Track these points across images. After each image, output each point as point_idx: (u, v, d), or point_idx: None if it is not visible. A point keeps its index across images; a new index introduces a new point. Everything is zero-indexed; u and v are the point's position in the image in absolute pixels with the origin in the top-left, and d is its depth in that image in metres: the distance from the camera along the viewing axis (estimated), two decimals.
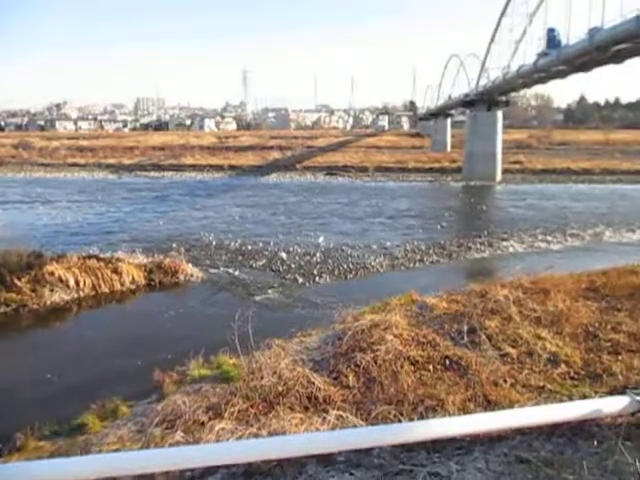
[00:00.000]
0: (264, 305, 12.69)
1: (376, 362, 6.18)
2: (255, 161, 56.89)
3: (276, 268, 16.34)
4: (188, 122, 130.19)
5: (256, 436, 4.13)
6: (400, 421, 4.18)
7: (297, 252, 18.18)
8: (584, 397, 5.33)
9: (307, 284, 14.81)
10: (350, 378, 5.94)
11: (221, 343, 7.06)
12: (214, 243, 19.50)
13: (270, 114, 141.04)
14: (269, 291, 13.90)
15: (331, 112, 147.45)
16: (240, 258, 17.48)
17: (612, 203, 30.91)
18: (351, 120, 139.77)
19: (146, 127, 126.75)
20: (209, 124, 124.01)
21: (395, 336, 6.80)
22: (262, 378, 5.52)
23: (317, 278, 15.31)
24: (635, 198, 33.62)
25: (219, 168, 52.23)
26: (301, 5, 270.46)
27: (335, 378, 6.01)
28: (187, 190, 38.04)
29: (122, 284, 13.88)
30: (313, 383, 5.50)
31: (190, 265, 15.58)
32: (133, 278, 14.14)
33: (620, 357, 6.61)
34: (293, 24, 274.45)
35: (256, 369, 5.84)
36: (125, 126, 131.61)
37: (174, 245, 18.21)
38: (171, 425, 5.02)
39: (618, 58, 25.43)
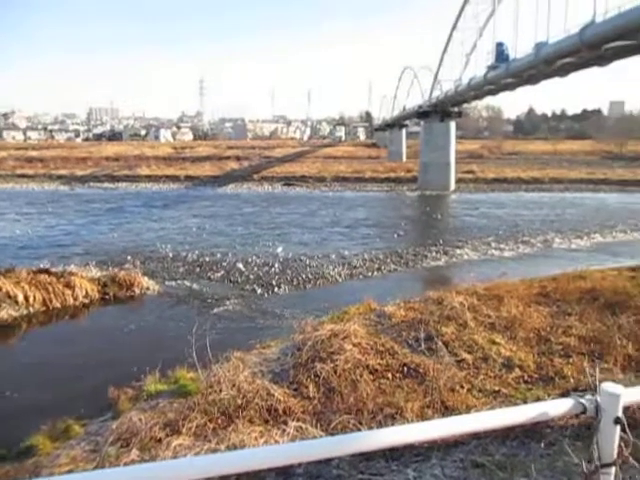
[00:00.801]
0: (222, 317, 12.54)
1: (336, 372, 6.20)
2: (212, 171, 56.36)
3: (234, 279, 16.19)
4: (143, 132, 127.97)
5: (214, 451, 4.07)
6: (359, 430, 4.21)
7: (255, 263, 18.07)
8: (537, 400, 5.49)
9: (266, 295, 14.72)
10: (310, 389, 5.93)
11: (179, 357, 6.93)
12: (171, 255, 19.17)
13: (227, 124, 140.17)
14: (227, 303, 13.74)
15: (288, 123, 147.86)
16: (198, 270, 17.24)
17: (561, 211, 32.03)
18: (308, 131, 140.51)
19: (99, 137, 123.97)
20: (165, 134, 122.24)
21: (354, 345, 6.84)
22: (221, 392, 5.45)
23: (276, 289, 15.24)
24: (582, 205, 34.96)
25: (175, 179, 51.51)
26: (256, 15, 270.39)
27: (295, 389, 6.00)
28: (143, 201, 37.34)
29: (75, 299, 13.46)
30: (273, 395, 5.47)
31: (146, 278, 15.25)
32: (86, 292, 13.73)
33: (571, 360, 6.84)
34: (249, 33, 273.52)
35: (214, 382, 5.77)
36: (77, 136, 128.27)
37: (129, 257, 17.80)
38: (126, 443, 4.89)
39: (563, 71, 26.48)
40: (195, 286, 15.39)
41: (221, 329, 11.14)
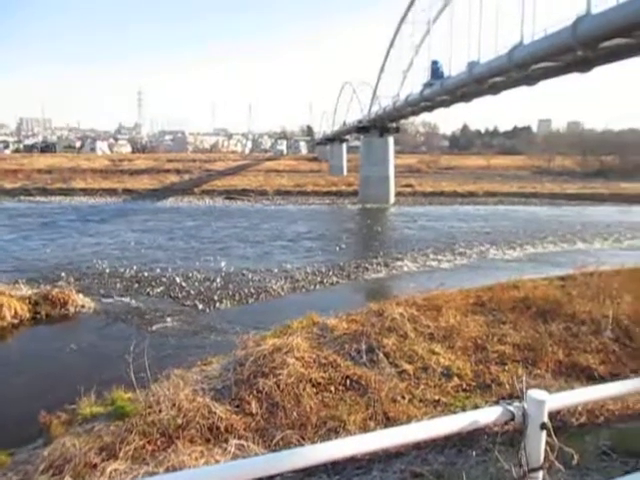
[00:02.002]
0: (162, 334, 12.22)
1: (279, 387, 6.16)
2: (151, 185, 55.07)
3: (175, 295, 15.83)
4: (78, 144, 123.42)
5: (151, 474, 3.95)
6: (302, 445, 4.20)
7: (196, 278, 17.76)
8: (475, 407, 5.66)
9: (207, 310, 14.48)
10: (253, 405, 5.87)
11: (116, 377, 6.69)
12: (108, 271, 18.52)
13: (167, 137, 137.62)
14: (167, 319, 13.41)
15: (229, 136, 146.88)
16: (136, 286, 16.74)
17: (495, 223, 33.32)
18: (250, 144, 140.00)
19: (30, 149, 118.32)
20: (101, 146, 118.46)
21: (297, 359, 6.83)
22: (160, 412, 5.30)
23: (218, 304, 15.02)
24: (515, 218, 36.50)
25: (113, 192, 49.96)
26: (194, 26, 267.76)
27: (237, 406, 5.91)
28: (78, 215, 35.95)
29: (2, 319, 12.75)
30: (214, 413, 5.37)
31: (81, 295, 14.66)
32: (16, 312, 13.03)
33: (506, 367, 7.09)
34: (189, 44, 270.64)
35: (154, 402, 5.60)
36: (7, 147, 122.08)
37: (63, 274, 17.08)
38: (59, 471, 4.67)
39: (494, 90, 27.66)
40: (133, 303, 14.94)
41: (161, 347, 10.84)
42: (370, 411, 5.77)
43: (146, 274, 18.13)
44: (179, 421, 5.16)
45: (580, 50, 17.60)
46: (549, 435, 1.97)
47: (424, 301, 9.28)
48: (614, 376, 6.35)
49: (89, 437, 5.43)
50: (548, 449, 1.98)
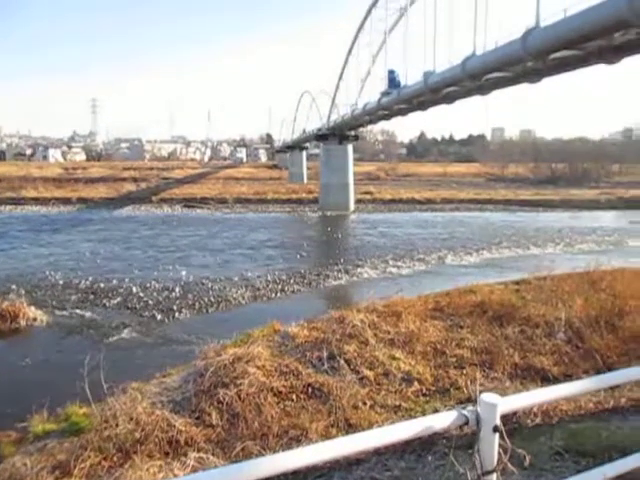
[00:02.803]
0: (119, 347, 11.92)
1: (240, 397, 6.09)
2: (107, 193, 53.84)
3: (132, 306, 15.49)
4: (29, 152, 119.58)
5: None
6: (263, 455, 4.16)
7: (155, 287, 17.43)
8: (435, 411, 5.73)
9: (166, 320, 14.23)
10: (213, 416, 5.78)
11: (70, 392, 6.47)
12: (61, 282, 17.97)
13: (123, 144, 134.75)
14: (125, 331, 13.10)
15: (188, 143, 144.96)
16: (92, 297, 16.30)
17: (452, 229, 34.00)
18: (209, 152, 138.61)
19: None
20: (54, 154, 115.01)
21: (258, 368, 6.77)
22: (117, 426, 5.16)
23: (177, 314, 14.78)
24: (471, 224, 37.32)
25: (67, 201, 48.58)
26: (148, 33, 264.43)
27: (197, 418, 5.82)
28: (29, 225, 34.77)
29: None
30: (173, 426, 5.26)
31: (33, 308, 14.16)
32: None
33: (465, 371, 7.21)
34: (145, 51, 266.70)
35: (110, 417, 5.45)
36: None
37: (14, 287, 16.44)
38: None
39: (449, 99, 28.32)
40: (89, 315, 14.53)
41: (118, 360, 10.55)
42: (332, 418, 5.77)
43: (102, 285, 17.68)
44: (137, 435, 5.03)
45: (530, 61, 18.24)
46: (502, 437, 2.00)
47: (384, 307, 9.35)
48: (567, 377, 6.55)
49: (41, 455, 5.23)
50: (501, 451, 2.01)
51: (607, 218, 42.82)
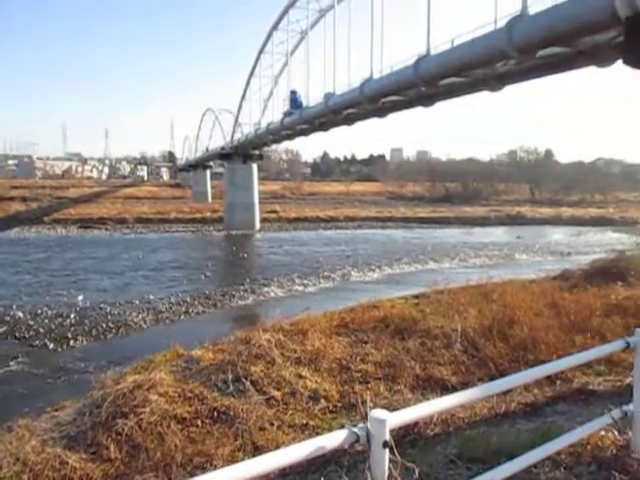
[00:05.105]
0: (5, 380, 10.97)
1: (140, 426, 5.81)
2: None
3: (21, 335, 14.36)
4: None
5: None
6: None
7: (47, 314, 16.28)
8: (342, 427, 5.80)
9: (60, 349, 13.33)
10: (111, 449, 5.47)
11: None
12: None
13: (10, 162, 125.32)
14: (11, 363, 12.09)
15: (84, 161, 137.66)
16: None
17: (355, 246, 34.89)
18: (107, 170, 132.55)
19: None
20: None
21: (160, 395, 6.51)
22: (1, 469, 4.72)
23: (72, 341, 13.89)
24: (373, 241, 38.55)
25: None
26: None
27: (94, 452, 5.47)
28: None
29: None
30: (67, 463, 4.92)
31: None
32: None
33: (369, 385, 7.37)
34: (32, 67, 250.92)
35: None
36: None
37: None
38: None
39: (349, 120, 29.28)
40: None
41: (3, 395, 9.74)
42: (239, 442, 5.66)
43: None
44: (25, 478, 4.64)
45: (423, 86, 19.36)
46: (392, 452, 2.06)
47: (291, 326, 9.35)
48: (464, 385, 6.89)
49: None
50: (392, 466, 2.07)
51: (497, 233, 46.01)
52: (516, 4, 14.43)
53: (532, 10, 13.79)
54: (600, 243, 37.05)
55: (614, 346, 3.76)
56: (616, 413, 3.72)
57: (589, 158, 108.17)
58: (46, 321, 15.61)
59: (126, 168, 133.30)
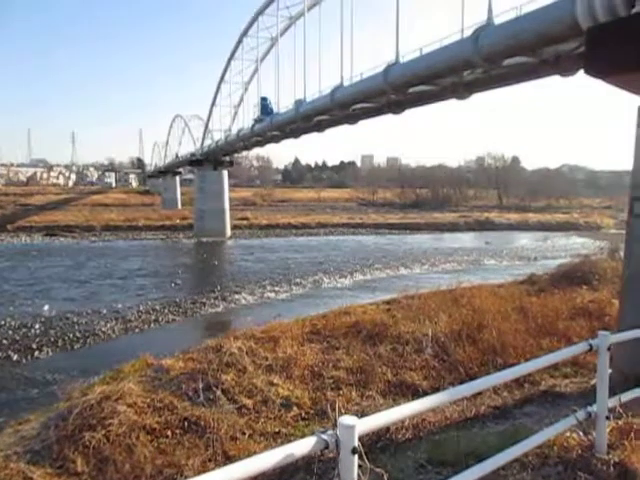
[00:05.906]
0: None
1: (108, 438, 5.69)
2: None
3: None
4: None
5: None
6: None
7: (10, 325, 15.81)
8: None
9: (24, 360, 12.95)
10: (78, 463, 5.34)
11: None
12: None
13: None
14: None
15: (50, 167, 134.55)
16: None
17: (327, 253, 34.93)
18: (74, 176, 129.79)
19: None
20: None
21: (129, 406, 6.39)
22: None
23: (37, 352, 13.52)
24: (345, 247, 38.66)
25: None
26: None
27: (60, 467, 5.33)
28: None
29: None
30: (31, 479, 4.77)
31: None
32: None
33: (341, 392, 7.37)
34: None
35: None
36: None
37: None
38: None
39: (320, 127, 29.39)
40: None
41: None
42: (210, 452, 5.59)
43: None
44: None
45: (392, 93, 19.59)
46: (361, 458, 2.06)
47: (262, 333, 9.30)
48: (435, 390, 6.95)
49: None
50: (361, 473, 2.07)
51: (466, 239, 46.71)
52: (482, 14, 14.78)
53: (498, 20, 14.14)
54: (565, 248, 37.95)
55: (578, 348, 3.85)
56: (580, 414, 3.80)
57: (555, 164, 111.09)
58: (9, 332, 15.16)
59: (94, 175, 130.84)
